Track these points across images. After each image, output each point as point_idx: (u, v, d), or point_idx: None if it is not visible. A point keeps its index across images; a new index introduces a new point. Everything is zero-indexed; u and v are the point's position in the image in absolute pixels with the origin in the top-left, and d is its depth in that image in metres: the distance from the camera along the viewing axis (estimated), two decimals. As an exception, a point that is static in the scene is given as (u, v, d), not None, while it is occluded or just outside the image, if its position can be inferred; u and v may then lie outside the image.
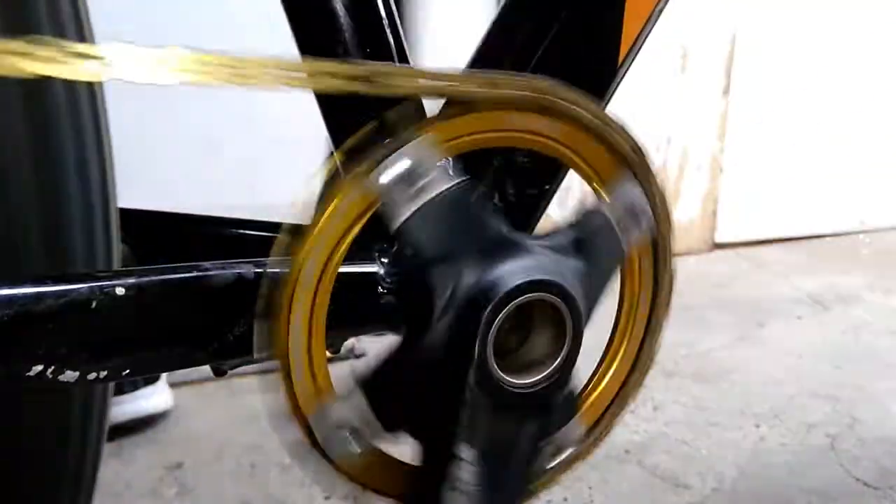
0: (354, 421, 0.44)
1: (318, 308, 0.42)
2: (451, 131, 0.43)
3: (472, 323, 0.43)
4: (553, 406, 0.48)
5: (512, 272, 0.44)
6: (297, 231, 0.41)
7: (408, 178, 0.42)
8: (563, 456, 0.52)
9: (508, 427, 0.46)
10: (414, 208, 0.42)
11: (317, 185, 0.44)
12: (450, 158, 0.43)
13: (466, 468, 0.45)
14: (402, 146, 0.41)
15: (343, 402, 0.44)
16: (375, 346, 0.47)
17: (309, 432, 0.43)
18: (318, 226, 0.41)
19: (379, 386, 0.44)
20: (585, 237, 0.48)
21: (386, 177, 0.41)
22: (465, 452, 0.45)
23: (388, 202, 0.42)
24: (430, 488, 0.46)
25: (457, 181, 0.43)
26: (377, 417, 0.44)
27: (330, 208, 0.41)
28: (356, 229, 0.41)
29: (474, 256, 0.44)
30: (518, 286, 0.43)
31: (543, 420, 0.48)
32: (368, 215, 0.42)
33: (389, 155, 0.41)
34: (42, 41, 0.32)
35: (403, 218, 0.42)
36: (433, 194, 0.42)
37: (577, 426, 0.51)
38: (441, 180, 0.42)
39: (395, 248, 0.46)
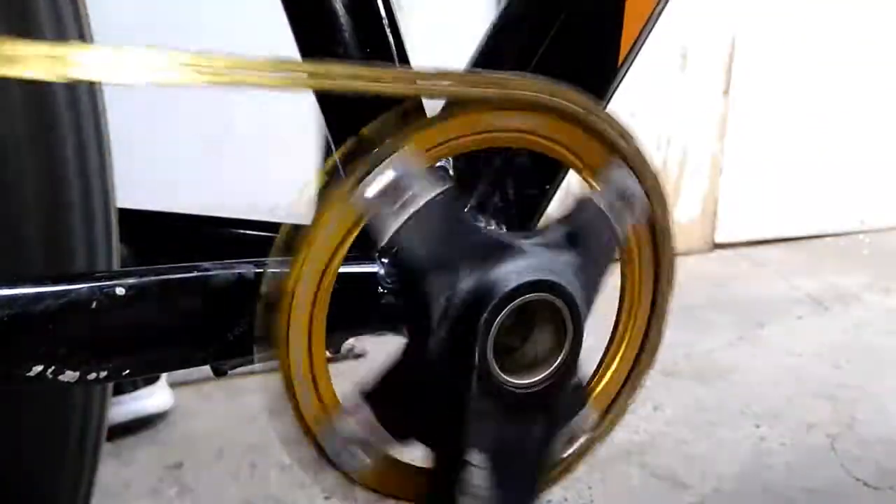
0: (363, 434, 0.44)
1: (317, 316, 0.42)
2: (432, 138, 0.42)
3: (471, 328, 0.43)
4: (560, 401, 0.47)
5: (506, 275, 0.43)
6: (296, 235, 0.41)
7: (391, 191, 0.41)
8: (579, 444, 0.52)
9: (516, 427, 0.46)
10: (400, 222, 0.42)
11: (315, 188, 0.44)
12: (442, 162, 0.43)
13: (477, 473, 0.45)
14: (383, 159, 0.41)
15: (350, 417, 0.44)
16: (375, 345, 0.46)
17: (319, 447, 0.43)
18: (310, 245, 0.40)
19: (384, 396, 0.44)
20: (578, 230, 0.47)
21: (370, 192, 0.41)
22: (475, 457, 0.45)
23: (374, 218, 0.41)
24: (443, 493, 0.46)
25: (441, 189, 0.42)
26: (385, 428, 0.44)
27: (320, 226, 0.40)
28: (348, 242, 0.41)
29: (466, 263, 0.44)
30: (514, 289, 0.43)
31: (551, 416, 0.48)
32: (358, 229, 0.41)
33: (371, 170, 0.41)
34: (16, 41, 0.32)
35: (391, 232, 0.42)
36: (418, 206, 0.42)
37: (589, 414, 0.51)
38: (425, 190, 0.42)
39: (394, 250, 0.46)
